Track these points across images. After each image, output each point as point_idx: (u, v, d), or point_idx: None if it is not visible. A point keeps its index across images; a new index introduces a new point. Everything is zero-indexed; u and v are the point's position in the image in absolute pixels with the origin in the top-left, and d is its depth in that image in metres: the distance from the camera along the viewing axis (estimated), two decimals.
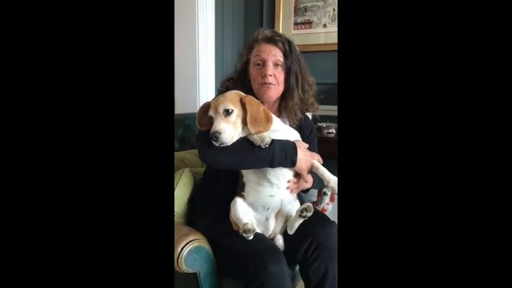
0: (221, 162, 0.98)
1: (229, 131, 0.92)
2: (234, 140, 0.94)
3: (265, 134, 0.94)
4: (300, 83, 1.13)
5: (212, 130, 0.92)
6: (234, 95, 0.98)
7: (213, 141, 0.91)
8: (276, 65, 1.09)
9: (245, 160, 0.96)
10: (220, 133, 0.90)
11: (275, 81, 1.09)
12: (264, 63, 1.08)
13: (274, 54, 1.08)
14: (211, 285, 0.98)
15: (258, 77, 1.09)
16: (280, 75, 1.10)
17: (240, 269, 0.93)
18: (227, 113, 0.93)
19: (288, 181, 1.03)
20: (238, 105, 0.95)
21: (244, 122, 0.94)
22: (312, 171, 1.04)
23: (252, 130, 0.93)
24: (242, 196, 1.04)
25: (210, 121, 0.96)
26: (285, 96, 1.14)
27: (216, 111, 0.94)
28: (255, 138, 0.94)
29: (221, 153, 0.95)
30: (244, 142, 0.96)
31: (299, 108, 1.16)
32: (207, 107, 0.99)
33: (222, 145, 0.92)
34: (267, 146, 0.93)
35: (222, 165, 1.00)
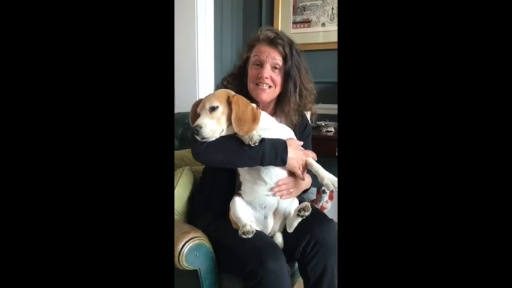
0: (211, 160, 0.99)
1: (212, 126, 0.93)
2: (216, 135, 0.95)
3: (254, 132, 0.95)
4: (297, 88, 1.12)
5: (195, 124, 0.94)
6: (222, 93, 0.99)
7: (195, 135, 0.93)
8: (274, 67, 1.09)
9: (234, 158, 0.97)
10: (201, 127, 0.92)
11: (271, 84, 1.09)
12: (262, 65, 1.09)
13: (273, 57, 1.08)
14: (212, 282, 0.99)
15: (254, 77, 1.10)
16: (278, 78, 1.10)
17: (239, 266, 0.94)
18: (212, 109, 0.95)
19: (277, 183, 1.02)
20: (224, 103, 0.96)
21: (230, 121, 0.95)
22: (308, 169, 1.04)
23: (236, 129, 0.94)
24: (240, 195, 1.06)
25: None
26: (281, 100, 1.13)
27: (203, 107, 0.96)
28: (244, 136, 0.95)
29: (211, 151, 0.96)
30: (235, 140, 0.97)
31: (295, 112, 1.15)
32: (197, 104, 1.01)
33: (204, 139, 0.93)
34: (256, 144, 0.94)
35: (212, 163, 1.02)
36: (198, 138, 0.93)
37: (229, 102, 0.96)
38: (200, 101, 1.01)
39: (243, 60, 1.17)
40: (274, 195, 1.02)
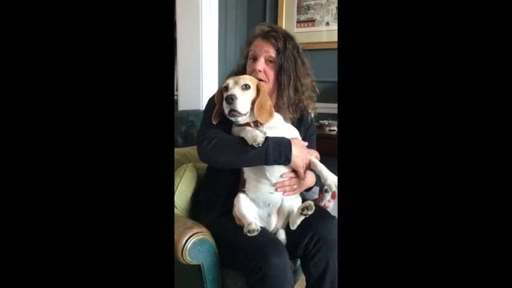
0: (216, 161, 1.01)
1: (244, 101, 0.97)
2: (246, 111, 0.97)
3: (258, 132, 0.95)
4: (291, 82, 1.09)
5: (229, 93, 0.96)
6: (254, 78, 1.04)
7: (227, 104, 0.95)
8: (268, 61, 1.09)
9: (240, 159, 0.98)
10: (236, 97, 0.94)
11: (265, 78, 1.09)
12: (256, 59, 1.10)
13: (266, 50, 1.08)
14: (215, 277, 1.00)
15: (250, 71, 1.11)
16: (271, 72, 1.09)
17: (242, 261, 0.95)
18: (245, 87, 0.99)
19: (281, 176, 1.02)
20: (255, 87, 1.01)
21: (251, 107, 0.99)
22: (311, 168, 1.05)
23: (256, 114, 0.98)
24: (244, 192, 1.06)
25: (222, 113, 1.02)
26: (277, 94, 1.13)
27: (235, 83, 0.99)
28: (248, 137, 0.95)
29: (216, 153, 0.98)
30: (238, 141, 0.98)
31: (291, 107, 1.13)
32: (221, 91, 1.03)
33: (234, 111, 0.96)
34: (260, 145, 0.94)
35: (218, 163, 1.03)
36: (229, 107, 0.95)
37: (257, 89, 1.01)
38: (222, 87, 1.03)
39: (244, 57, 1.19)
40: (277, 190, 1.03)
